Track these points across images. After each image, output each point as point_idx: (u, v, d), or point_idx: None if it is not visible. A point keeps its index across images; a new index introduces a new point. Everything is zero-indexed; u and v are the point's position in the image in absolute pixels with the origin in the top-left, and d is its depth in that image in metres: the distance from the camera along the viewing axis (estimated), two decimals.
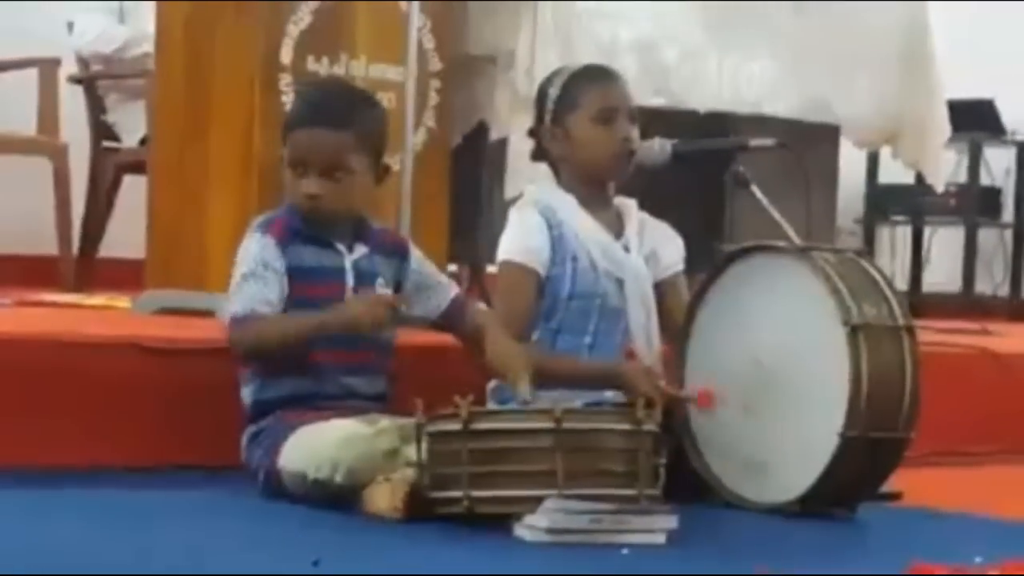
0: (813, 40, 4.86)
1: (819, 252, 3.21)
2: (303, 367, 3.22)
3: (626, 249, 3.48)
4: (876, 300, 3.16)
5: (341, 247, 3.30)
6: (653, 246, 3.54)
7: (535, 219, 3.44)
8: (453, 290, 3.50)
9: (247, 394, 3.26)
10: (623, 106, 3.47)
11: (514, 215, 3.48)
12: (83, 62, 5.81)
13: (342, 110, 3.30)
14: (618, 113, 3.46)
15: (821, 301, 3.13)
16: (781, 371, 3.19)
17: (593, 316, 3.44)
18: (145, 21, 5.51)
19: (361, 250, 3.32)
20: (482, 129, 4.58)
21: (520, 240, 3.43)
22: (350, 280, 3.29)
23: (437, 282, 3.47)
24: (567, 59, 3.91)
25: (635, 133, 3.47)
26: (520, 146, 4.19)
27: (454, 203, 4.45)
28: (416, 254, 3.45)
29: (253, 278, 3.20)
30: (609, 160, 3.45)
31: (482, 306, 3.79)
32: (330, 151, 3.23)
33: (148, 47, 5.41)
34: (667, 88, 4.58)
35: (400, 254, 3.41)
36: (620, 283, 3.46)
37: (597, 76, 3.53)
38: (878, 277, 3.22)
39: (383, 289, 3.33)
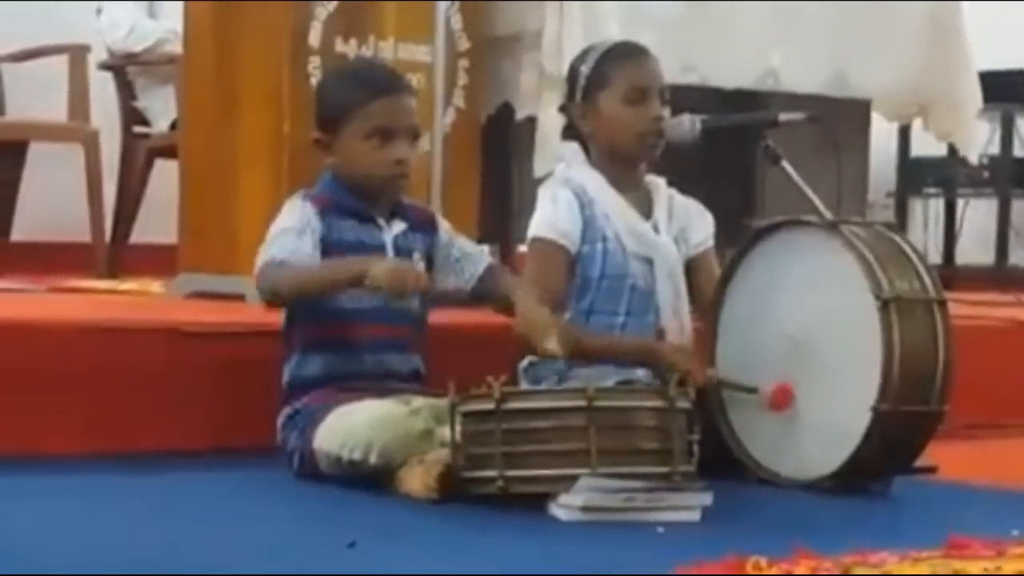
0: (842, 14, 4.84)
1: (849, 226, 3.20)
2: (339, 344, 3.22)
3: (655, 229, 3.48)
4: (907, 273, 3.15)
5: (381, 222, 3.31)
6: (683, 223, 3.53)
7: (566, 197, 3.43)
8: (486, 259, 3.48)
9: (285, 371, 3.26)
10: (654, 85, 3.46)
11: (544, 193, 3.48)
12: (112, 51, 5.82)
13: (403, 78, 3.42)
14: (649, 92, 3.45)
15: (852, 275, 3.12)
16: (813, 346, 3.18)
17: (624, 296, 3.44)
18: (176, 14, 5.53)
19: (400, 225, 3.33)
20: (510, 109, 4.57)
21: (551, 218, 3.43)
22: (390, 256, 3.29)
23: (469, 252, 3.45)
24: (594, 38, 3.89)
25: (666, 112, 3.46)
26: (548, 125, 4.19)
27: (484, 183, 4.45)
28: (445, 226, 3.45)
29: (291, 232, 3.19)
30: (639, 139, 3.44)
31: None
32: (413, 115, 3.33)
33: (179, 46, 5.45)
34: (695, 65, 4.57)
35: (430, 228, 3.41)
36: (650, 263, 3.46)
37: (629, 54, 3.52)
38: (909, 250, 3.21)
39: (420, 265, 3.34)
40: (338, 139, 3.27)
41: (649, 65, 3.49)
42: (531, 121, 4.42)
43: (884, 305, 3.07)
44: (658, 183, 3.54)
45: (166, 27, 5.64)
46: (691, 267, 3.52)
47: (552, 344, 3.07)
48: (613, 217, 3.44)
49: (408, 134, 3.29)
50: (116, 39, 5.70)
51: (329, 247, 3.23)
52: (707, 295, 3.43)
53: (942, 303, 3.16)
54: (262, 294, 3.20)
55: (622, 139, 3.45)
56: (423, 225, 3.39)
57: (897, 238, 3.24)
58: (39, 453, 3.20)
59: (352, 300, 3.22)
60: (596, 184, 3.46)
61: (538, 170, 4.22)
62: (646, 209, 3.50)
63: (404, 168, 3.27)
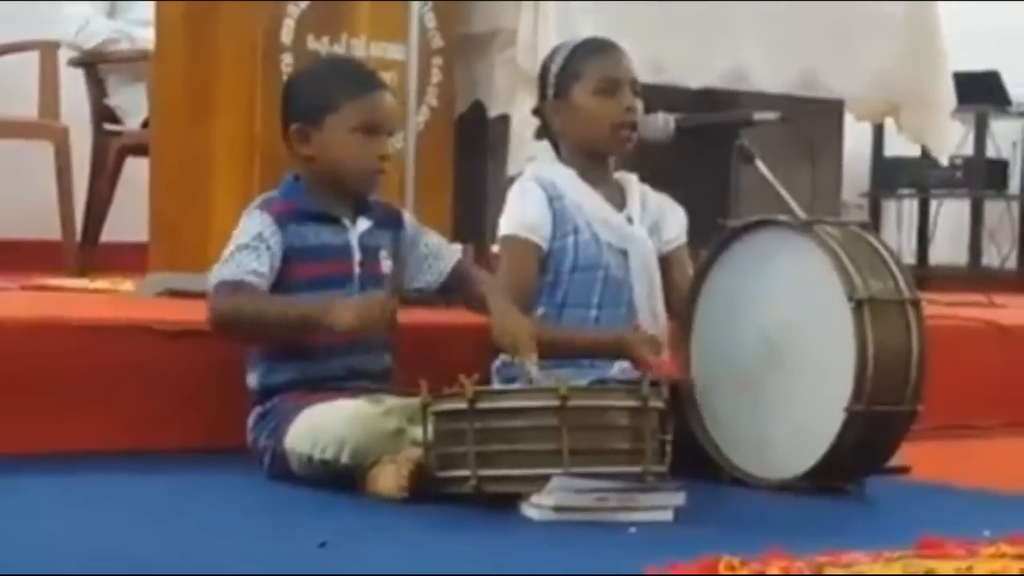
0: (814, 13, 4.84)
1: (823, 226, 3.20)
2: (308, 349, 3.20)
3: (629, 220, 3.48)
4: (881, 274, 3.15)
5: (346, 221, 3.30)
6: (656, 217, 3.54)
7: (535, 192, 3.44)
8: (455, 256, 3.47)
9: (253, 379, 3.24)
10: (626, 77, 3.47)
11: (514, 190, 3.49)
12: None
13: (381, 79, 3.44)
14: (621, 84, 3.46)
15: (826, 275, 3.11)
16: (787, 346, 3.18)
17: (597, 288, 3.44)
18: (136, 14, 5.53)
19: (365, 224, 3.31)
20: (484, 107, 4.56)
21: (520, 214, 3.43)
22: (357, 255, 3.28)
23: (437, 248, 3.44)
24: (568, 37, 3.88)
25: (638, 104, 3.47)
26: (522, 124, 4.18)
27: (458, 181, 4.44)
28: (411, 222, 3.43)
29: (246, 249, 3.18)
30: (612, 131, 3.45)
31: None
32: (394, 115, 3.41)
33: (127, 45, 5.45)
34: (670, 64, 4.56)
35: (396, 224, 3.40)
36: (624, 254, 3.46)
37: (599, 48, 3.53)
38: (883, 250, 3.20)
39: (386, 262, 3.32)
40: (320, 129, 3.26)
41: (619, 57, 3.50)
42: (505, 119, 4.41)
43: (858, 305, 3.07)
44: (629, 178, 3.54)
45: (113, 26, 5.64)
46: (664, 264, 3.52)
47: (533, 367, 3.06)
48: (586, 208, 3.44)
49: (388, 133, 3.32)
50: (67, 34, 5.69)
51: (291, 253, 3.21)
52: (680, 292, 3.43)
53: (916, 303, 3.15)
54: (216, 318, 3.15)
55: (595, 131, 3.46)
56: (388, 222, 3.38)
57: (871, 238, 3.23)
58: (2, 453, 3.17)
59: None
60: (566, 179, 3.46)
61: (512, 169, 4.22)
62: (619, 202, 3.50)
63: (383, 164, 3.29)
